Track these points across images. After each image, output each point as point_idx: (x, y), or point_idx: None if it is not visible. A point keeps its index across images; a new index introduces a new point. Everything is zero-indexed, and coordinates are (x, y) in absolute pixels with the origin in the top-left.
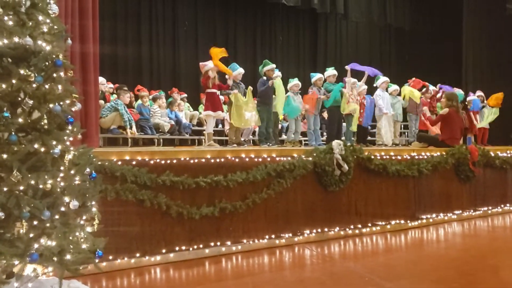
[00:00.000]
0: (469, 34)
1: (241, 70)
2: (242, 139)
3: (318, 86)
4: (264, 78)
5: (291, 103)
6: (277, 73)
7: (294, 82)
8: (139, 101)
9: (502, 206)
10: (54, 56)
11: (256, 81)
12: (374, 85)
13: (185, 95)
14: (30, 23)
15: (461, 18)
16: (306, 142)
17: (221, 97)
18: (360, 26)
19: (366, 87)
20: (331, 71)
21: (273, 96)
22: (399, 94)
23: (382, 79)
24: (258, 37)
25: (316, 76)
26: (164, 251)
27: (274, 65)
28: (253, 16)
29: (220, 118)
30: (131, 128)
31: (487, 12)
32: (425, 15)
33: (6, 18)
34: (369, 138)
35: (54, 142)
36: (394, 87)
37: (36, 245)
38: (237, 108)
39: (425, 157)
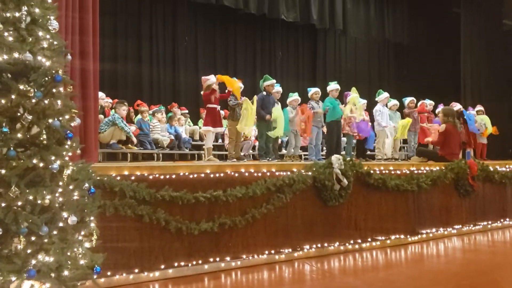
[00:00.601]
0: (467, 48)
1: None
2: (242, 153)
3: (315, 100)
4: (264, 93)
5: (287, 118)
6: (277, 88)
7: (294, 97)
8: (139, 116)
9: (502, 220)
10: (53, 71)
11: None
12: (376, 99)
13: (186, 110)
14: (30, 39)
15: (459, 33)
16: (306, 156)
17: (222, 112)
18: (359, 42)
19: (365, 101)
20: (333, 86)
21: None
22: (398, 110)
23: (384, 95)
24: (258, 52)
25: (312, 90)
26: (162, 267)
27: (274, 81)
28: (252, 31)
29: (218, 131)
30: (131, 143)
31: (485, 27)
32: (423, 30)
33: (6, 34)
34: (368, 152)
35: (53, 157)
36: (393, 102)
37: (33, 261)
38: (248, 113)
39: (425, 171)
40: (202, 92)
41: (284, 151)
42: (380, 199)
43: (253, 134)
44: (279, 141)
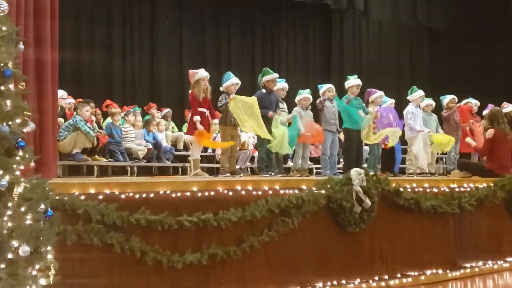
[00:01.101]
0: None
1: (234, 80)
2: (238, 166)
3: (329, 99)
4: (263, 90)
5: (296, 122)
6: (282, 84)
7: (303, 95)
8: (108, 120)
9: None
10: (1, 64)
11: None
12: (408, 97)
13: (168, 110)
14: None
15: (510, 15)
16: (318, 170)
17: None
18: (385, 26)
19: (392, 100)
20: (353, 81)
21: (279, 111)
22: (434, 111)
23: (418, 93)
24: (258, 40)
25: (324, 87)
26: None
27: (275, 75)
28: (251, 13)
29: None
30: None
31: None
32: (466, 13)
33: None
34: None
35: (1, 172)
36: (427, 102)
37: None
38: (244, 110)
39: (468, 189)
40: (190, 91)
41: (290, 164)
42: (412, 224)
43: (252, 142)
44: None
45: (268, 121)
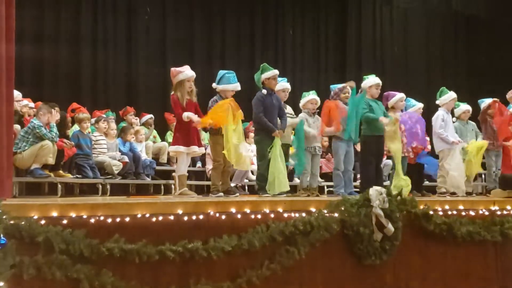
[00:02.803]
0: None
1: (236, 87)
2: (233, 184)
3: (343, 101)
4: (263, 91)
5: (301, 129)
6: (282, 84)
7: (309, 97)
8: (76, 127)
9: None
10: None
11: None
12: (437, 101)
13: (150, 116)
14: None
15: None
16: (330, 188)
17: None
18: (411, 14)
19: (420, 105)
20: (372, 80)
21: (286, 115)
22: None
23: (449, 95)
24: (258, 30)
25: (338, 87)
26: None
27: (275, 71)
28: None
29: (194, 153)
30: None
31: None
32: None
33: None
34: (426, 183)
35: None
36: (463, 108)
37: None
38: (228, 136)
39: None
40: (171, 93)
41: (296, 181)
42: (444, 254)
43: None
44: (289, 165)
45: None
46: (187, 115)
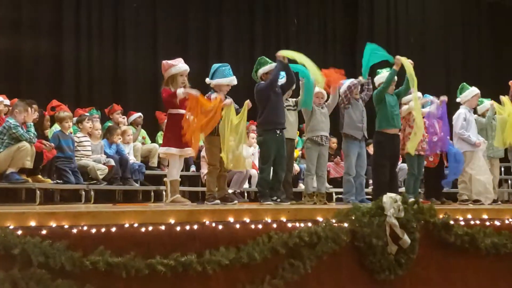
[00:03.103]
0: None
1: (232, 81)
2: (231, 190)
3: (355, 98)
4: (262, 83)
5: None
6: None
7: (315, 90)
8: (56, 127)
9: None
10: None
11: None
12: (458, 99)
13: (138, 115)
14: None
15: None
16: (340, 196)
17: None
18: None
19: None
20: (386, 74)
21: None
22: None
23: (471, 91)
24: (258, 20)
25: (347, 83)
26: None
27: (274, 65)
28: None
29: (187, 154)
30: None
31: None
32: None
33: None
34: (446, 189)
35: None
36: (486, 104)
37: None
38: (226, 126)
39: None
40: (162, 88)
41: (301, 186)
42: (466, 269)
43: (245, 154)
44: (295, 169)
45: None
46: (182, 91)
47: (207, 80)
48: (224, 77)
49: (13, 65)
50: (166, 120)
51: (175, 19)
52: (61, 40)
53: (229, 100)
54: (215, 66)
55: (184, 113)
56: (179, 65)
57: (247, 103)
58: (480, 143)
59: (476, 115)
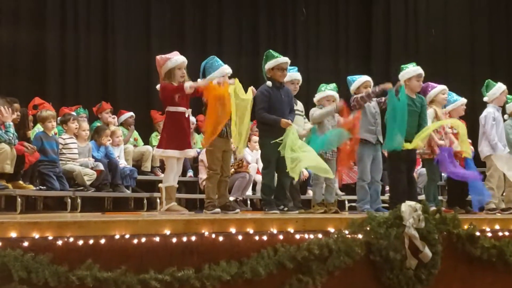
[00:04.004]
0: None
1: (226, 70)
2: (232, 198)
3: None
4: (269, 83)
5: (315, 131)
6: (292, 74)
7: (326, 92)
8: (38, 128)
9: None
10: None
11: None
12: (485, 98)
13: (130, 114)
14: None
15: None
16: (353, 204)
17: (193, 119)
18: None
19: (463, 100)
20: (412, 69)
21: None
22: None
23: (498, 87)
24: (262, 10)
25: (359, 81)
26: None
27: (281, 59)
28: None
29: (188, 156)
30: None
31: None
32: None
33: None
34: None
35: None
36: None
37: None
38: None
39: None
40: (158, 85)
41: (310, 193)
42: (493, 285)
43: (250, 159)
44: (303, 175)
45: (279, 132)
46: (190, 84)
47: (199, 81)
48: (216, 70)
49: None
50: (164, 119)
51: (169, 8)
52: (44, 31)
53: (232, 79)
54: (202, 64)
55: (183, 111)
56: (175, 58)
57: (252, 89)
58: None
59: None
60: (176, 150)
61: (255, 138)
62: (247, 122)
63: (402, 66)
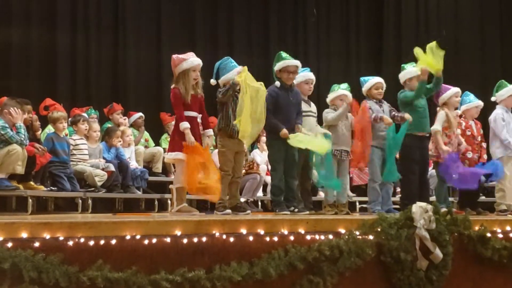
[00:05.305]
0: None
1: (233, 73)
2: (243, 199)
3: (376, 99)
4: (277, 84)
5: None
6: (305, 74)
7: (338, 92)
8: (49, 129)
9: None
10: None
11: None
12: (493, 98)
13: (140, 115)
14: None
15: None
16: (364, 205)
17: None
18: None
19: (479, 103)
20: (412, 70)
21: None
22: None
23: (510, 89)
24: (273, 9)
25: (370, 82)
26: None
27: (293, 61)
28: None
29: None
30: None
31: None
32: None
33: None
34: (482, 198)
35: None
36: None
37: None
38: (248, 100)
39: None
40: (172, 86)
41: (321, 195)
42: (504, 286)
43: (259, 160)
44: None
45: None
46: (184, 126)
47: (212, 81)
48: (230, 70)
49: (2, 59)
50: (173, 122)
51: (180, 8)
52: (54, 31)
53: (241, 67)
54: (216, 65)
55: (194, 115)
56: (191, 59)
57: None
58: None
59: None
60: (183, 153)
61: (264, 139)
62: (260, 111)
63: (402, 65)
